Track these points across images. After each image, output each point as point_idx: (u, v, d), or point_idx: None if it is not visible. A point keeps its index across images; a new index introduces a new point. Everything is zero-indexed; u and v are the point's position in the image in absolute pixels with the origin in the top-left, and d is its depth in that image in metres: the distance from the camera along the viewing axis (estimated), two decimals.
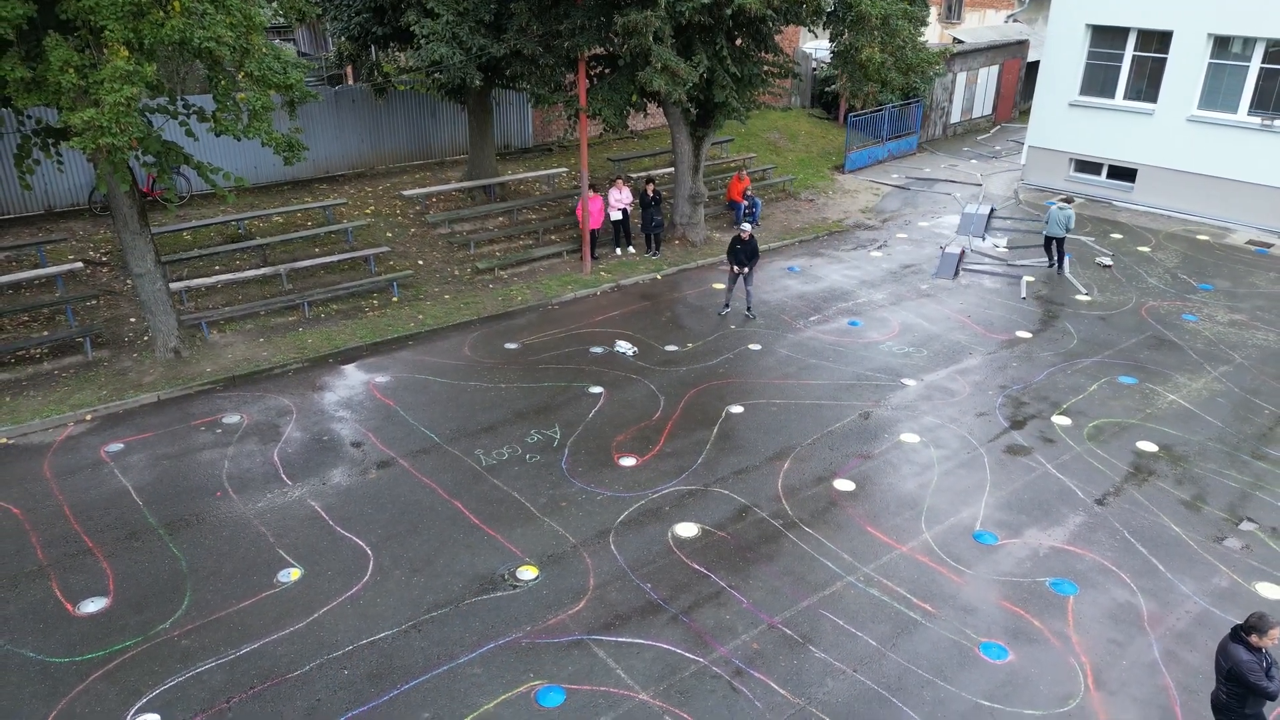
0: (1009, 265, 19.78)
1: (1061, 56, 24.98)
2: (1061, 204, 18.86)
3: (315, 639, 8.57)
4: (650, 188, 19.05)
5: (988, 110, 35.48)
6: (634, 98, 17.34)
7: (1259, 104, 22.02)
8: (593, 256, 18.82)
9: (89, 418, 12.49)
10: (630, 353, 14.13)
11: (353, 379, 13.78)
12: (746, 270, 16.01)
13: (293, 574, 9.47)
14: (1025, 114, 39.01)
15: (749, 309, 16.41)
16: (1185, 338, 15.75)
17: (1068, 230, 18.74)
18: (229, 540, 9.97)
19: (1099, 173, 25.55)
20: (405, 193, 20.20)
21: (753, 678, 8.19)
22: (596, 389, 13.57)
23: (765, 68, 18.26)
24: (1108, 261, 18.59)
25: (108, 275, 16.08)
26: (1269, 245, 21.32)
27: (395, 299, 16.72)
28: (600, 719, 7.72)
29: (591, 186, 18.64)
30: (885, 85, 16.91)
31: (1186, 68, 22.71)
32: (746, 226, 15.93)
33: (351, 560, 9.70)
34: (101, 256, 16.59)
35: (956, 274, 19.06)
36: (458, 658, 8.36)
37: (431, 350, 14.86)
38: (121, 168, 11.27)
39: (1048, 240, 19.15)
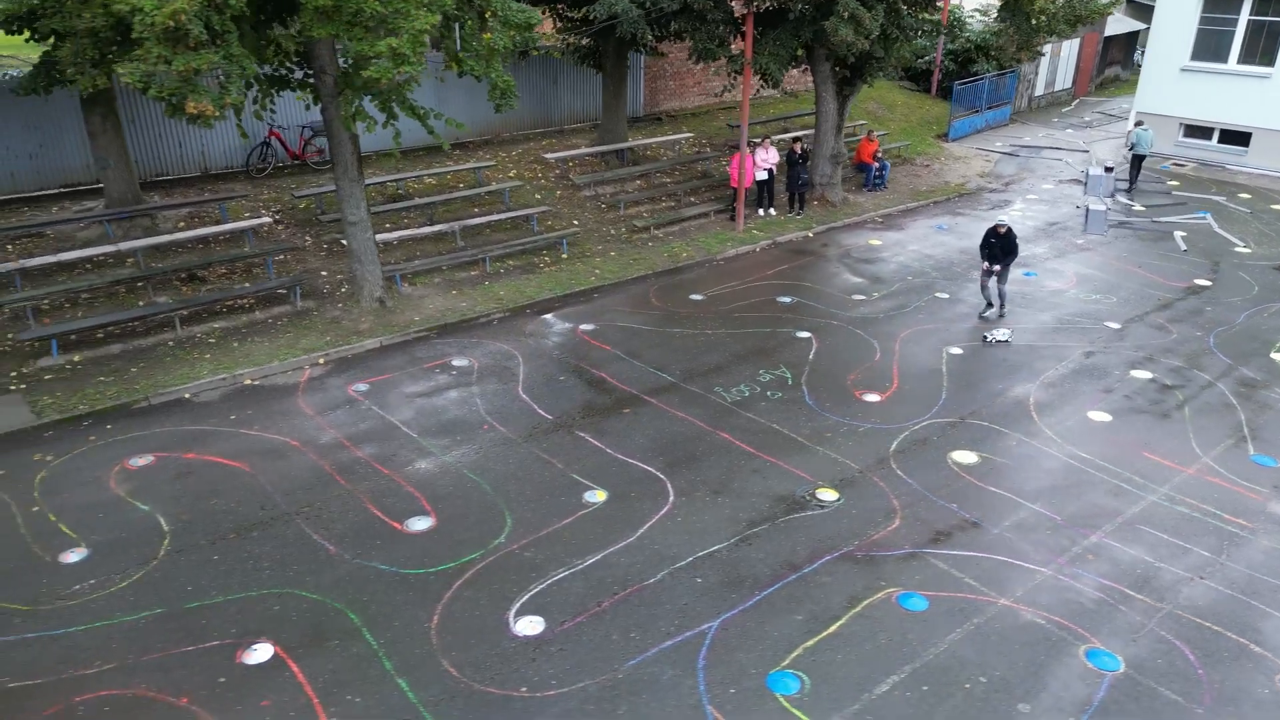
0: (1153, 221, 19.83)
1: (1173, 22, 24.97)
2: (1141, 125, 22.14)
3: (652, 552, 8.62)
4: (799, 146, 19.08)
5: (1068, 84, 35.47)
6: (798, 51, 17.35)
7: None
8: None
9: (321, 361, 12.55)
10: (1007, 337, 13.27)
11: (558, 326, 13.83)
12: (999, 268, 14.14)
13: (598, 494, 9.53)
14: (1101, 87, 39.15)
15: (1001, 309, 14.38)
16: None
17: (1150, 148, 21.97)
18: (520, 466, 10.03)
19: (1209, 137, 25.58)
20: (547, 155, 20.22)
21: (1105, 585, 8.24)
22: (803, 333, 13.63)
23: (926, 25, 18.26)
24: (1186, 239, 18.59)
25: (285, 232, 16.12)
26: None
27: (565, 255, 16.77)
28: (972, 620, 7.77)
29: (736, 148, 18.66)
30: (1054, 33, 16.90)
31: None
32: (1004, 218, 14.41)
33: (648, 483, 9.75)
34: (273, 215, 16.62)
35: (1106, 229, 19.11)
36: (801, 568, 8.42)
37: (620, 301, 14.91)
38: (387, 106, 11.31)
39: (1135, 159, 22.14)
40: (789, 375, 12.28)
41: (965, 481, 9.85)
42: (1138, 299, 15.17)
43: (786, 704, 6.89)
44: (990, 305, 14.47)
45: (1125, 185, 22.24)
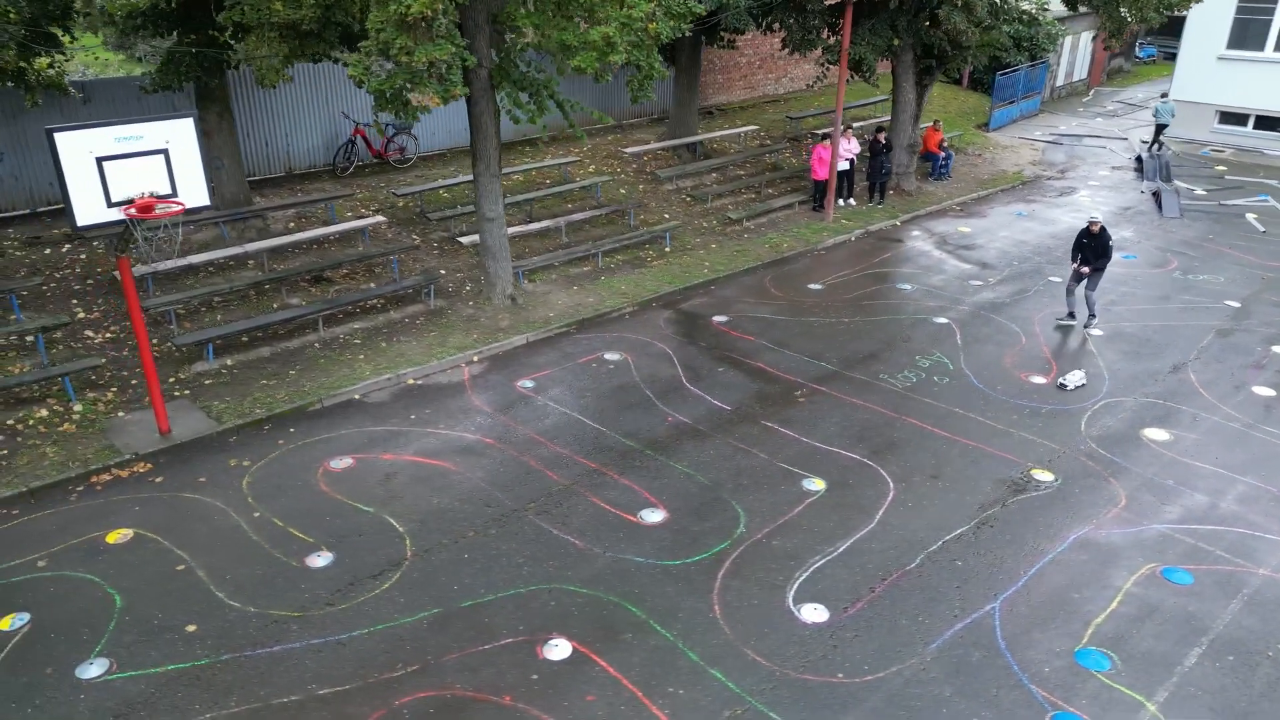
0: (1220, 204, 20.27)
1: (1209, 12, 25.50)
2: (1164, 98, 25.17)
3: (898, 538, 8.64)
4: (881, 136, 19.21)
5: (1084, 74, 36.10)
6: (894, 41, 17.46)
7: None
8: (821, 206, 18.95)
9: (475, 359, 12.38)
10: (1075, 383, 11.52)
11: (691, 319, 13.79)
12: (1088, 270, 13.11)
13: (816, 482, 9.52)
14: (1109, 78, 39.89)
15: (1091, 316, 13.33)
16: None
17: (1172, 117, 24.68)
18: (721, 456, 9.99)
19: (1245, 124, 26.22)
20: (627, 150, 20.14)
21: None
22: (941, 319, 13.74)
23: (1018, 13, 18.49)
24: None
25: (390, 231, 15.85)
26: None
27: (668, 249, 16.71)
28: (1242, 591, 7.91)
29: (825, 136, 18.76)
30: (1144, 21, 17.22)
31: None
32: (1098, 216, 13.55)
33: (861, 470, 9.77)
34: (375, 213, 16.34)
35: (1181, 212, 19.50)
36: (1046, 552, 8.48)
37: (739, 292, 14.90)
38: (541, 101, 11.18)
39: (1158, 128, 24.72)
40: (947, 361, 12.36)
41: (1169, 458, 10.00)
42: (1243, 278, 15.52)
43: (1107, 680, 6.95)
44: (1072, 315, 13.41)
45: (1148, 144, 24.90)
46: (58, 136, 7.47)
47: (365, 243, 15.01)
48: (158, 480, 9.48)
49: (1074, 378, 11.62)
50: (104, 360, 11.15)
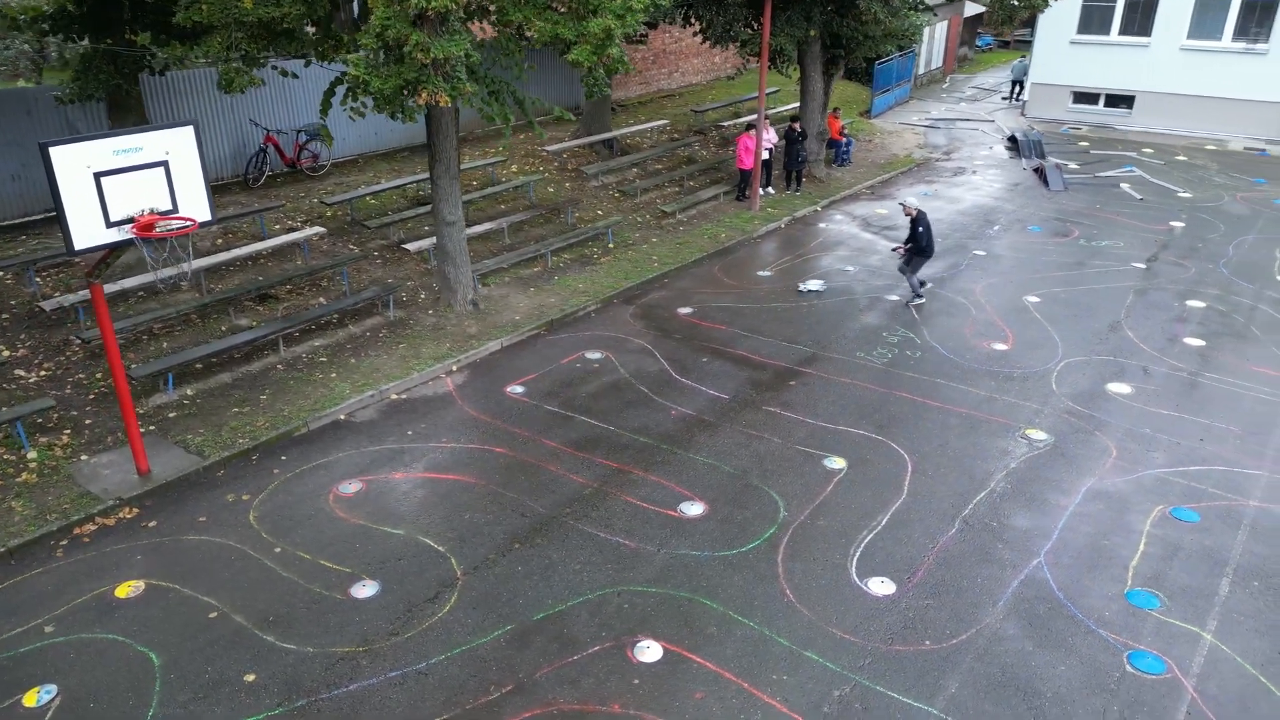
0: (1095, 176, 22.08)
1: (1061, 2, 27.71)
2: (1022, 58, 29.40)
3: (929, 508, 8.97)
4: (797, 125, 19.78)
5: (939, 63, 38.37)
6: (810, 32, 18.00)
7: (1240, 31, 25.53)
8: (744, 196, 19.37)
9: (455, 368, 11.92)
10: (821, 286, 13.56)
11: (657, 312, 13.80)
12: (900, 250, 14.08)
13: (837, 461, 9.75)
14: (961, 62, 42.56)
15: (916, 296, 13.98)
16: None
17: (1025, 74, 29.25)
18: (737, 444, 10.06)
19: (1096, 102, 28.64)
20: (548, 149, 19.85)
21: None
22: (892, 297, 14.33)
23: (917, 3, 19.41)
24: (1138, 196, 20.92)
25: (325, 242, 15.00)
26: (1264, 149, 24.83)
27: (612, 245, 16.63)
28: (1243, 523, 8.69)
29: (749, 126, 19.16)
30: (1033, 9, 18.48)
31: (1177, 2, 25.91)
32: (912, 201, 14.07)
33: (874, 446, 10.07)
34: (305, 224, 15.42)
35: (1065, 185, 21.11)
36: (1066, 506, 9.03)
37: (694, 283, 15.02)
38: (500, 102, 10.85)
39: (1014, 83, 31.01)
40: (913, 336, 12.92)
41: (1137, 408, 10.84)
42: (1139, 242, 16.98)
43: (1162, 617, 7.48)
44: (919, 294, 14.06)
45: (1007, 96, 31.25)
46: (53, 151, 6.61)
47: (305, 256, 14.15)
48: (151, 525, 8.63)
49: (812, 284, 13.49)
50: (54, 402, 10.02)
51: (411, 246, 14.65)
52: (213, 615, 7.48)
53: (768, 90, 27.11)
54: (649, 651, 7.12)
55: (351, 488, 9.29)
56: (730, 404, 11.00)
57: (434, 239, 14.18)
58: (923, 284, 14.26)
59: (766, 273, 15.58)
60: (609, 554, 8.28)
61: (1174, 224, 18.07)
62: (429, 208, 16.13)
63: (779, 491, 9.23)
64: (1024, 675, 6.91)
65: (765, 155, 19.77)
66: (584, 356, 12.32)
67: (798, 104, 21.71)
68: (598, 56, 9.71)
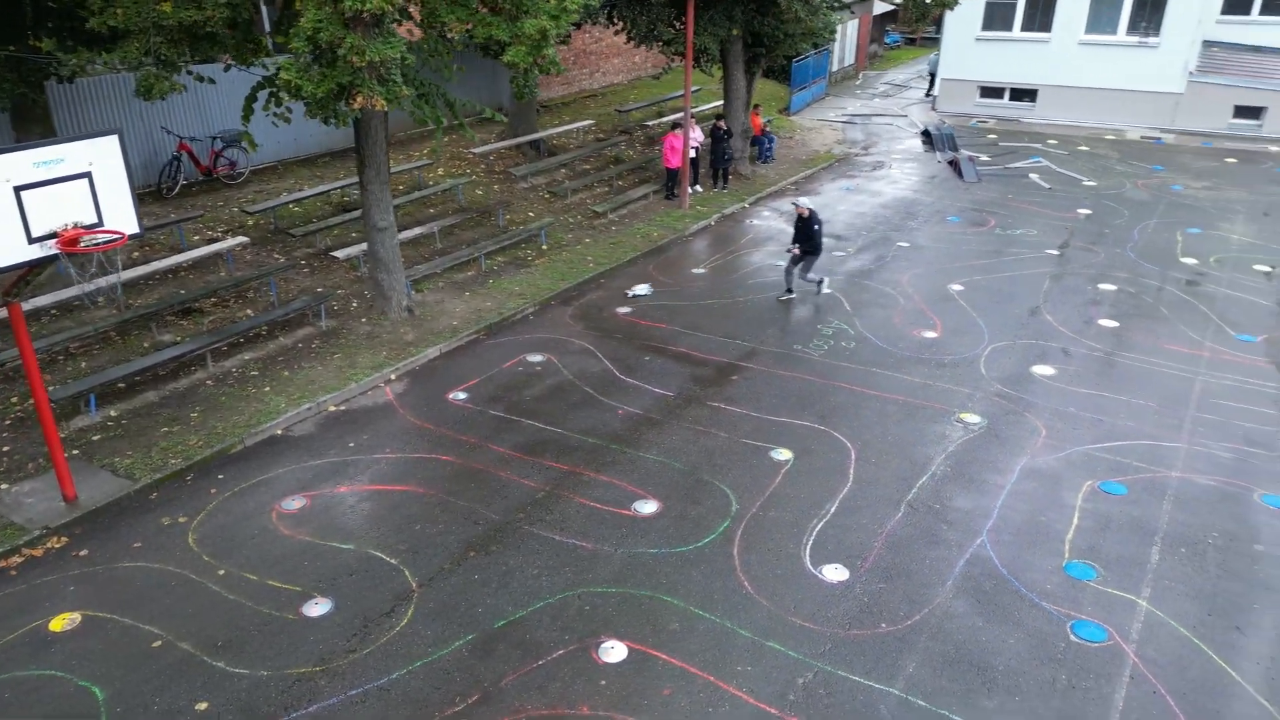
0: (1005, 168, 22.96)
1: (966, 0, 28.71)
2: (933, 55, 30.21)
3: (876, 495, 9.20)
4: (722, 124, 20.01)
5: (852, 60, 39.32)
6: (733, 30, 18.21)
7: (1133, 26, 26.88)
8: (673, 195, 19.52)
9: (394, 377, 11.70)
10: (642, 292, 13.79)
11: (596, 312, 13.80)
12: (795, 252, 13.93)
13: (784, 453, 9.92)
14: (872, 59, 43.67)
15: (790, 292, 14.19)
16: (1191, 200, 19.50)
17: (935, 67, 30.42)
18: (686, 440, 10.14)
19: (1002, 96, 29.76)
20: (474, 150, 19.63)
21: (1230, 446, 10.00)
22: (826, 290, 14.64)
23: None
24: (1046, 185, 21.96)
25: (250, 253, 14.53)
26: (1160, 137, 26.22)
27: (545, 247, 16.55)
28: (1167, 493, 9.17)
29: (675, 125, 19.31)
30: (945, 7, 19.08)
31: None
32: (804, 201, 14.09)
33: (819, 437, 10.28)
34: (226, 234, 14.90)
35: (979, 176, 21.90)
36: (1003, 485, 9.39)
37: (630, 283, 15.03)
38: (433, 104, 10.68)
39: (931, 75, 31.56)
40: (847, 327, 13.22)
41: (1061, 389, 11.33)
42: (1051, 229, 17.72)
43: (1100, 587, 7.85)
44: (790, 290, 14.15)
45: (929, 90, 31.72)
46: None
47: (229, 267, 13.68)
48: (82, 554, 8.24)
49: (639, 289, 13.78)
50: None
51: (341, 254, 14.31)
52: (157, 644, 7.18)
53: (677, 93, 27.43)
54: (614, 652, 7.13)
55: (295, 504, 9.03)
56: (676, 401, 11.08)
57: (364, 245, 13.90)
58: (820, 281, 14.28)
59: (701, 270, 15.74)
60: (566, 557, 8.26)
61: (1081, 211, 18.91)
62: (356, 214, 15.79)
63: (730, 485, 9.35)
64: (976, 651, 7.16)
65: (692, 154, 19.96)
66: (525, 360, 12.24)
67: (721, 102, 21.98)
68: (533, 58, 9.65)
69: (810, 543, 8.44)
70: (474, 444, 10.14)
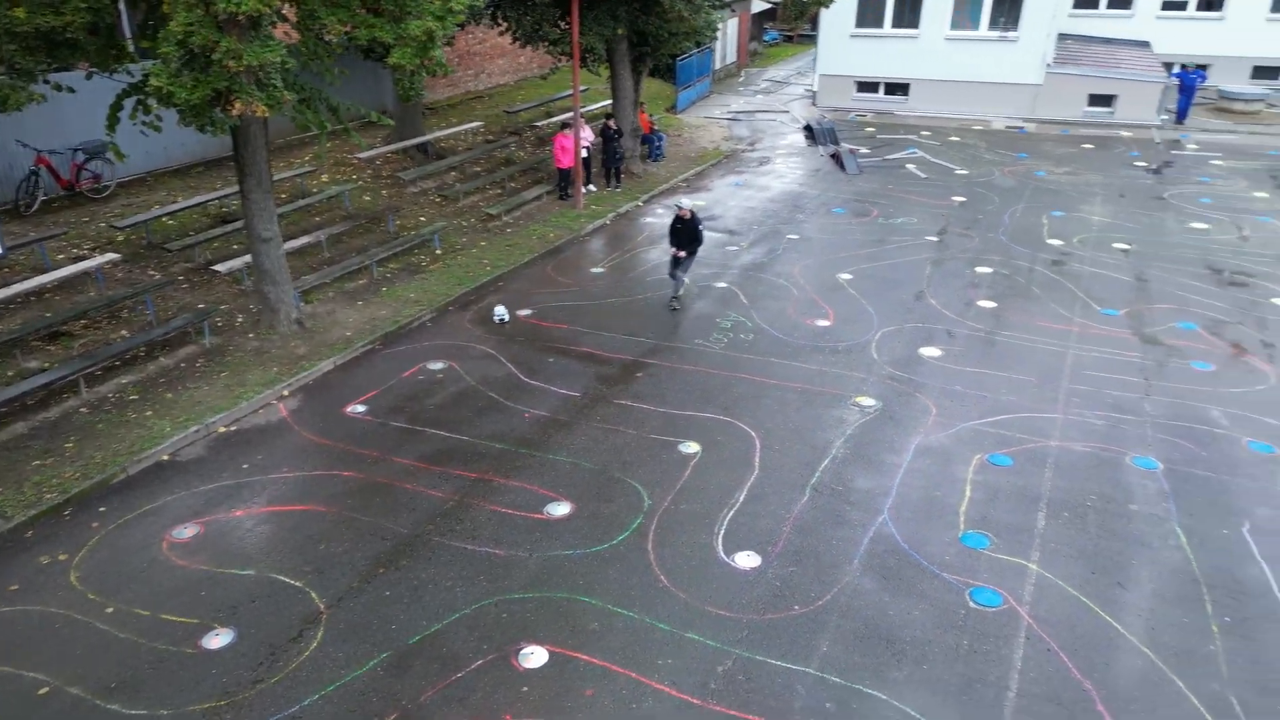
0: (884, 159, 23.87)
1: None
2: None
3: (781, 480, 9.43)
4: (612, 123, 20.08)
5: (733, 58, 40.09)
6: (618, 30, 18.28)
7: (994, 22, 28.35)
8: (567, 195, 19.50)
9: (286, 393, 11.26)
10: (505, 317, 13.26)
11: (497, 316, 13.62)
12: (683, 255, 13.67)
13: (691, 445, 10.05)
14: (752, 57, 44.63)
15: (678, 296, 13.87)
16: (1054, 185, 20.74)
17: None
18: (595, 440, 10.16)
19: (877, 90, 30.92)
20: (359, 155, 19.07)
21: (1102, 414, 10.69)
22: (721, 284, 14.90)
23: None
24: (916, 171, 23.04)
25: (121, 270, 13.71)
26: (1023, 126, 27.77)
27: (439, 251, 16.25)
28: (1047, 462, 9.73)
29: (564, 125, 19.27)
30: (822, 5, 19.66)
31: None
32: (686, 204, 13.71)
33: (723, 428, 10.46)
34: (94, 251, 14.01)
35: (860, 169, 22.69)
36: (899, 464, 9.78)
37: (529, 284, 14.98)
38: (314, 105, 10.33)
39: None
40: (745, 320, 13.49)
41: (948, 368, 11.87)
42: (929, 217, 18.53)
43: (993, 554, 8.27)
44: (675, 296, 13.90)
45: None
46: None
47: (99, 286, 12.87)
48: None
49: (498, 311, 13.35)
50: None
51: (222, 267, 13.68)
52: (43, 691, 6.72)
53: (565, 93, 27.42)
54: (534, 657, 7.08)
55: (187, 532, 8.60)
56: (582, 401, 11.08)
57: (247, 258, 13.33)
58: (679, 290, 13.98)
59: (600, 269, 15.77)
60: (480, 566, 8.15)
61: (956, 199, 19.85)
62: (237, 225, 15.11)
63: (640, 481, 9.41)
64: (884, 625, 7.44)
65: (584, 154, 19.96)
66: (426, 368, 12.00)
67: (609, 102, 22.06)
68: (420, 59, 9.45)
69: (722, 532, 8.59)
70: (376, 457, 9.88)
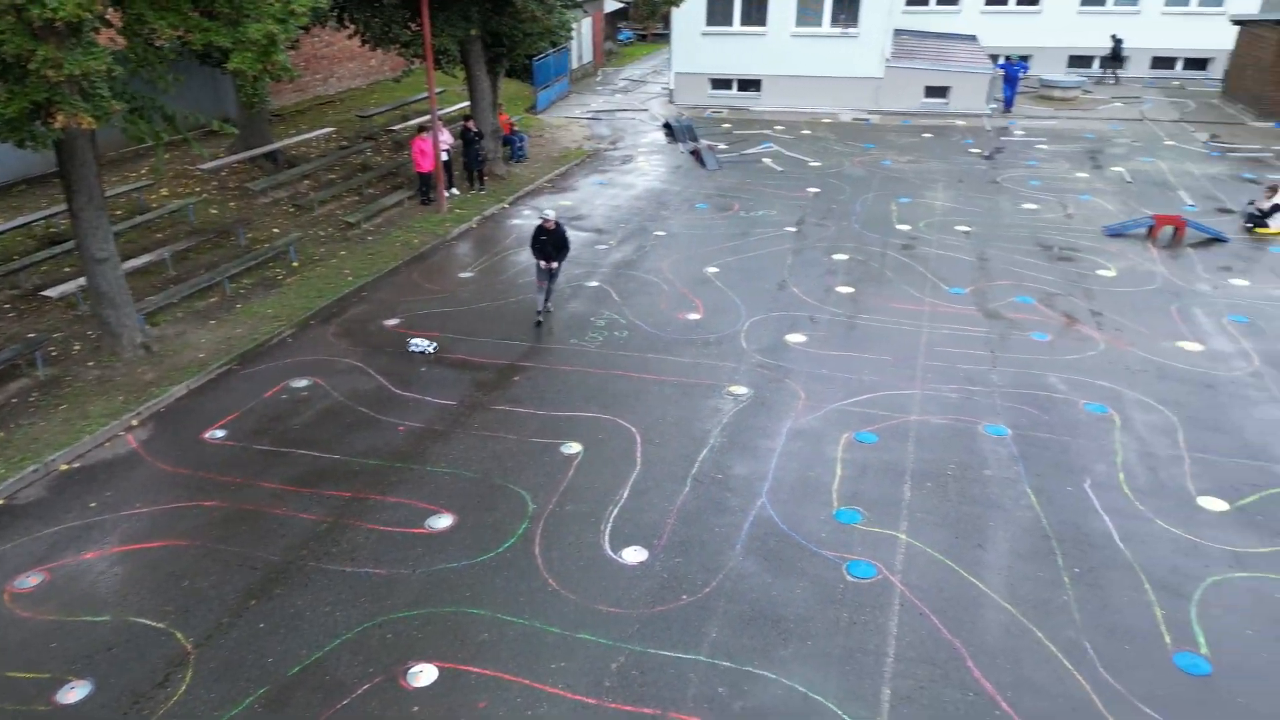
0: (741, 155, 24.53)
1: None
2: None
3: (665, 473, 9.56)
4: (472, 125, 19.77)
5: (590, 57, 40.22)
6: (471, 30, 17.97)
7: (835, 18, 29.60)
8: (429, 199, 19.10)
9: (135, 423, 10.53)
10: (430, 348, 12.26)
11: (362, 327, 13.22)
12: (556, 266, 13.31)
13: (573, 445, 10.04)
14: (608, 56, 44.88)
15: (547, 306, 13.39)
16: (900, 173, 21.87)
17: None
18: (473, 448, 10.00)
19: (731, 87, 31.72)
20: (202, 167, 18.00)
21: (955, 387, 11.35)
22: (592, 283, 14.95)
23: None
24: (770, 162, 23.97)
25: None
26: (868, 119, 29.15)
27: (296, 264, 15.56)
28: (909, 436, 10.26)
29: (421, 129, 18.84)
30: (673, 4, 19.95)
31: None
32: (550, 213, 13.07)
33: (603, 426, 10.50)
34: None
35: (719, 164, 23.23)
36: (774, 448, 10.08)
37: (396, 293, 14.58)
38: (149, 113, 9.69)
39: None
40: (618, 317, 13.57)
41: (813, 353, 12.32)
42: (787, 209, 19.17)
43: (866, 528, 8.65)
44: (546, 311, 13.32)
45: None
46: None
47: None
48: None
49: (419, 343, 12.27)
50: None
51: (53, 292, 12.64)
52: None
53: (421, 96, 26.84)
54: (423, 675, 6.91)
55: (31, 580, 7.92)
56: (459, 409, 10.87)
57: (81, 280, 12.40)
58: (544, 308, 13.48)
59: (469, 274, 15.50)
60: (360, 587, 7.88)
61: (811, 190, 20.61)
62: (68, 245, 14.00)
63: (523, 486, 9.33)
64: (769, 606, 7.67)
65: (445, 157, 19.57)
66: (289, 386, 11.49)
67: (468, 103, 21.70)
68: (262, 64, 9.00)
69: (608, 530, 8.62)
70: (240, 484, 9.39)
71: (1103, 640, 7.26)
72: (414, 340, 12.38)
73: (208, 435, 10.33)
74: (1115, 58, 33.05)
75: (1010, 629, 7.39)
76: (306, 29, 14.21)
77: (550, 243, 13.15)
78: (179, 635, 7.32)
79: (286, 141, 20.41)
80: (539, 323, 13.16)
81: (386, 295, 14.46)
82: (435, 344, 12.35)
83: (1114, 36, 32.82)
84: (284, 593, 7.80)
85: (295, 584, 7.91)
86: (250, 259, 14.93)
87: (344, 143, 22.19)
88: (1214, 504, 8.96)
